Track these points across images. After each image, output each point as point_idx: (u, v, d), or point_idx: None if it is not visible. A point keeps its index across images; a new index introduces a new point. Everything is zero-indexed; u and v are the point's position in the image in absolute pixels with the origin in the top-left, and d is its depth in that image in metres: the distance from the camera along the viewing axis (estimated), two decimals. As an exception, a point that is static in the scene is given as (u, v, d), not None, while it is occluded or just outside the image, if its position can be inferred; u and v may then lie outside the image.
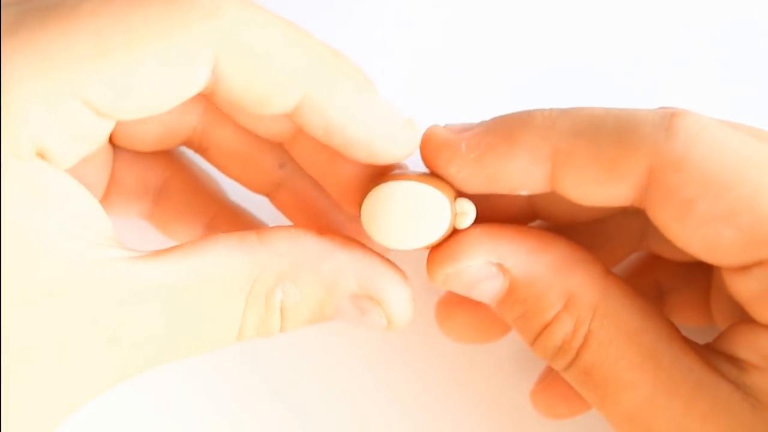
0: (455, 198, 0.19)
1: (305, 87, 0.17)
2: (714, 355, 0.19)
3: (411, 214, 0.18)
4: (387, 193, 0.18)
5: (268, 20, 0.17)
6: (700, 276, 0.22)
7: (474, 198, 0.19)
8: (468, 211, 0.19)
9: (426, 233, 0.19)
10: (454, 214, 0.19)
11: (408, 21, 0.26)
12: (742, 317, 0.19)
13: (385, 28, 0.26)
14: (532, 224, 0.22)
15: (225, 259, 0.17)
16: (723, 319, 0.21)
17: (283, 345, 0.25)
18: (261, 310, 0.18)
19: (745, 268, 0.17)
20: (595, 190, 0.18)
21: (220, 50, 0.16)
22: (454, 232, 0.19)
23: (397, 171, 0.20)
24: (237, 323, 0.18)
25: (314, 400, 0.25)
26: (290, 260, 0.18)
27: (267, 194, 0.23)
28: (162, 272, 0.17)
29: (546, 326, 0.19)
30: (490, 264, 0.19)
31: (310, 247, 0.18)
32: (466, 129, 0.19)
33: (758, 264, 0.17)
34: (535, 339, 0.19)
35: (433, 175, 0.19)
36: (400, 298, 0.19)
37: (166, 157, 0.23)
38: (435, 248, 0.19)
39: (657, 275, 0.23)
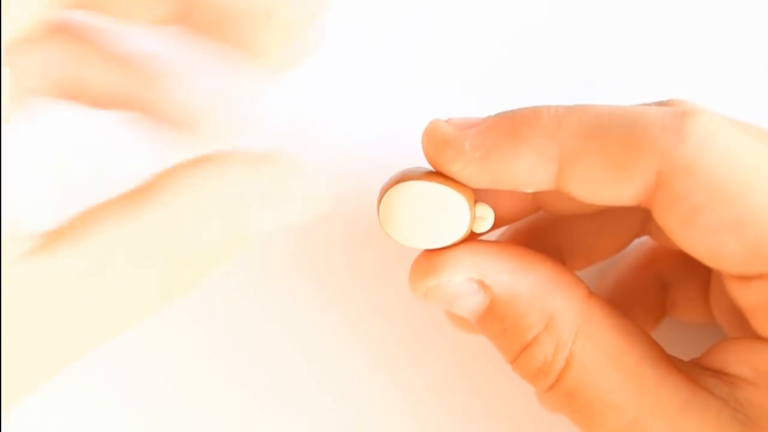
0: (475, 202, 0.19)
1: None
2: (702, 372, 0.18)
3: (430, 215, 0.18)
4: (407, 192, 0.18)
5: None
6: (703, 269, 0.22)
7: (477, 189, 0.19)
8: (486, 216, 0.19)
9: (443, 235, 0.19)
10: (473, 218, 0.19)
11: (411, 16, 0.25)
12: (736, 327, 0.18)
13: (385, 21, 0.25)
14: (535, 215, 0.22)
15: None
16: (721, 316, 0.21)
17: (286, 342, 0.25)
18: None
19: (746, 278, 0.17)
20: (602, 190, 0.18)
21: None
22: (472, 235, 0.19)
23: (415, 169, 0.19)
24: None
25: (315, 399, 0.25)
26: None
27: None
28: (56, 266, 0.15)
29: (526, 347, 0.18)
30: (471, 280, 0.19)
31: None
32: (469, 125, 0.18)
33: (759, 276, 0.17)
34: (515, 359, 0.19)
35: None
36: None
37: None
38: (416, 261, 0.19)
39: (660, 267, 0.23)
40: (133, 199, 0.15)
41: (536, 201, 0.21)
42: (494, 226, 0.21)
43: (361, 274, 0.24)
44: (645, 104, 0.20)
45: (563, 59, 0.25)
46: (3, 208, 0.15)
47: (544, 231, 0.23)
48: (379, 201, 0.19)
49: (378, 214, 0.19)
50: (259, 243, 0.24)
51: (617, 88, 0.25)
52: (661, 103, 0.20)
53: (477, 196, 0.20)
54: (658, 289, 0.23)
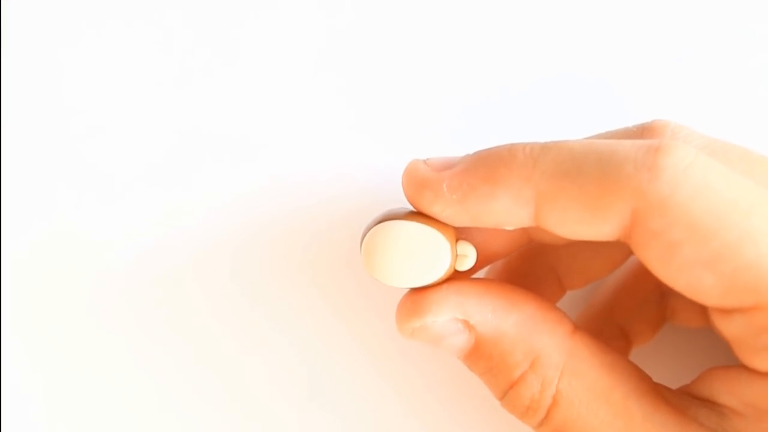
0: (456, 240, 0.19)
1: None
2: (691, 401, 0.18)
3: (412, 255, 0.18)
4: (389, 232, 0.18)
5: None
6: None
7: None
8: (469, 254, 0.19)
9: (425, 274, 0.19)
10: (455, 257, 0.19)
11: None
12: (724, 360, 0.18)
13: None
14: (525, 248, 0.22)
15: None
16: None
17: (286, 344, 0.25)
18: None
19: (727, 311, 0.17)
20: (579, 229, 0.17)
21: None
22: (456, 273, 0.19)
23: (398, 209, 0.20)
24: None
25: (313, 402, 0.25)
26: None
27: None
28: None
29: (512, 385, 0.18)
30: (455, 320, 0.19)
31: None
32: (447, 165, 0.18)
33: (739, 310, 0.17)
34: (503, 396, 0.19)
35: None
36: None
37: None
38: (401, 302, 0.19)
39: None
40: None
41: (526, 233, 0.21)
42: (487, 262, 0.21)
43: (360, 276, 0.25)
44: (626, 128, 0.20)
45: (553, 80, 0.25)
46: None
47: (538, 254, 0.23)
48: (362, 241, 0.19)
49: (361, 253, 0.19)
50: (260, 246, 0.24)
51: (607, 98, 0.25)
52: (642, 128, 0.19)
53: (466, 232, 0.20)
54: (657, 296, 0.23)
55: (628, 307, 0.23)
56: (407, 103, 0.25)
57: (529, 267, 0.23)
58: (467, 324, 0.19)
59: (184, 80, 0.25)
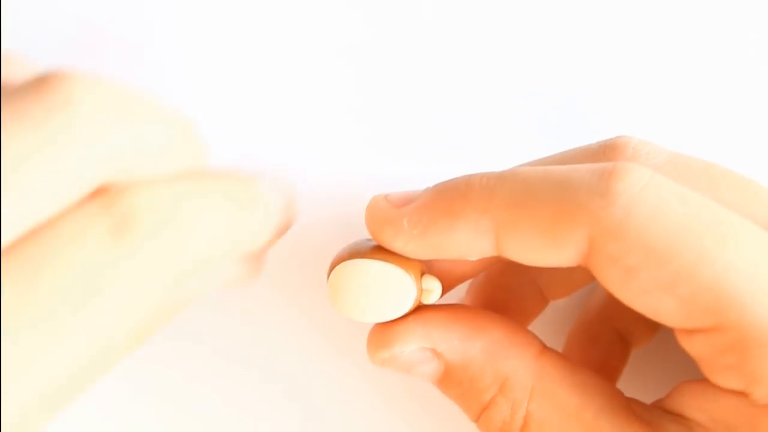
0: (422, 273, 0.19)
1: None
2: (663, 415, 0.18)
3: (377, 294, 0.19)
4: (353, 271, 0.19)
5: None
6: None
7: None
8: (434, 289, 0.19)
9: (391, 310, 0.19)
10: (420, 291, 0.19)
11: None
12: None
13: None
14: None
15: None
16: None
17: (276, 346, 0.25)
18: None
19: (688, 332, 0.17)
20: (539, 256, 0.18)
21: None
22: (420, 307, 0.19)
23: (363, 242, 0.20)
24: None
25: (306, 402, 0.25)
26: None
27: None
28: None
29: (484, 409, 0.19)
30: (423, 349, 0.19)
31: None
32: (407, 200, 0.19)
33: (700, 330, 0.17)
34: (477, 419, 0.19)
35: None
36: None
37: None
38: (370, 333, 0.19)
39: None
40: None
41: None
42: (457, 284, 0.21)
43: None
44: (588, 146, 0.20)
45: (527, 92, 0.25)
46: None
47: (518, 267, 0.22)
48: (328, 276, 0.19)
49: (327, 290, 0.19)
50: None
51: (587, 112, 0.25)
52: (604, 146, 0.19)
53: (433, 261, 0.20)
54: None
55: (623, 310, 0.22)
56: (409, 112, 0.25)
57: (509, 280, 0.23)
58: (435, 352, 0.19)
59: (187, 85, 0.25)
